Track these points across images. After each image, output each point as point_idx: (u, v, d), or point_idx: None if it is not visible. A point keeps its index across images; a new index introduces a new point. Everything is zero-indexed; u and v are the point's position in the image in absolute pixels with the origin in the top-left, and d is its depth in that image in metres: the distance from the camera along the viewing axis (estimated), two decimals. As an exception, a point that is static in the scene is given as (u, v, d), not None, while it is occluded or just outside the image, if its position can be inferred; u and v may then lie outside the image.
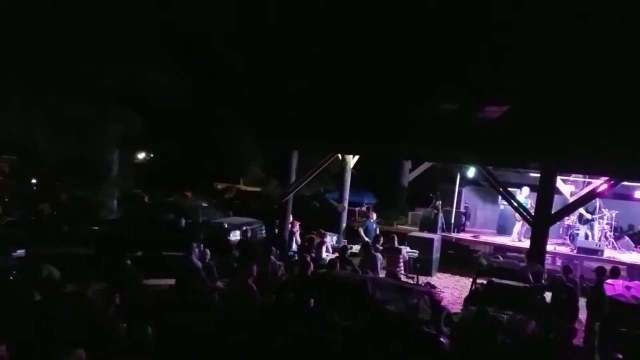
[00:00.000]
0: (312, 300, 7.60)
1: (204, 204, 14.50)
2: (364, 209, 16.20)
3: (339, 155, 13.89)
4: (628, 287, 8.20)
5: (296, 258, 10.49)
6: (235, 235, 12.34)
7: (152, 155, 26.89)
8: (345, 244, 12.42)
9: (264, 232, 13.46)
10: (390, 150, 11.92)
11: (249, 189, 20.89)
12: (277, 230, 12.82)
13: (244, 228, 12.78)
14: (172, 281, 8.97)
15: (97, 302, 7.27)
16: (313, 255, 10.91)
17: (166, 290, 8.94)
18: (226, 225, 12.40)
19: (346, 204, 14.67)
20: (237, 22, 20.24)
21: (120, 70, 15.81)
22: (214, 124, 22.79)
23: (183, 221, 12.40)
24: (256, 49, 20.62)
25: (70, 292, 7.93)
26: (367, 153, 13.50)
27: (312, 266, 8.91)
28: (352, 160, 14.43)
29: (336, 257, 10.27)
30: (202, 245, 9.57)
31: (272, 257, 9.56)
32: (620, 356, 6.72)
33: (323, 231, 11.91)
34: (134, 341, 6.29)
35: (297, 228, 12.45)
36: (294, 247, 12.07)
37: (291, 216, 12.84)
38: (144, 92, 16.96)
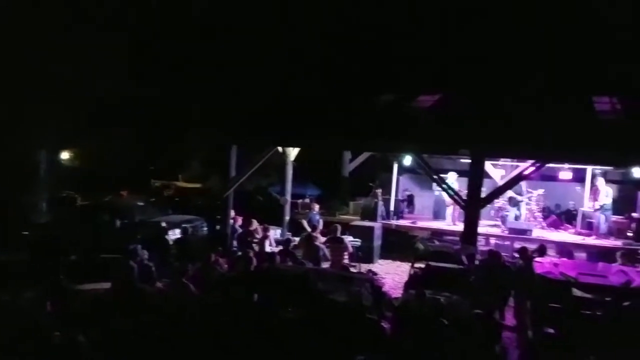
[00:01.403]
0: (255, 295, 7.59)
1: (140, 203, 14.05)
2: (306, 200, 16.21)
3: (280, 149, 13.88)
4: (556, 265, 8.61)
5: (239, 253, 10.39)
6: (175, 234, 12.03)
7: (84, 154, 25.72)
8: (289, 236, 12.45)
9: (205, 229, 13.23)
10: (329, 142, 12.04)
11: (189, 185, 20.42)
12: (218, 226, 12.64)
13: (184, 226, 12.48)
14: (108, 285, 8.67)
15: (28, 310, 6.94)
16: (256, 249, 10.92)
17: (103, 294, 8.63)
18: (164, 224, 12.06)
19: (289, 197, 14.69)
20: (174, 14, 19.76)
21: (47, 66, 15.03)
22: (150, 120, 22.18)
23: (118, 222, 11.98)
24: (193, 43, 20.21)
25: None
26: (307, 145, 13.55)
27: (254, 261, 8.88)
28: (293, 153, 14.45)
29: (279, 250, 10.28)
30: (139, 246, 9.29)
31: (213, 254, 9.42)
32: (552, 331, 7.10)
33: (266, 225, 11.86)
34: (68, 349, 6.05)
35: (239, 223, 12.33)
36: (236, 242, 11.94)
37: (233, 211, 12.70)
38: (75, 88, 16.26)
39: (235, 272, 9.16)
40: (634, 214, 13.02)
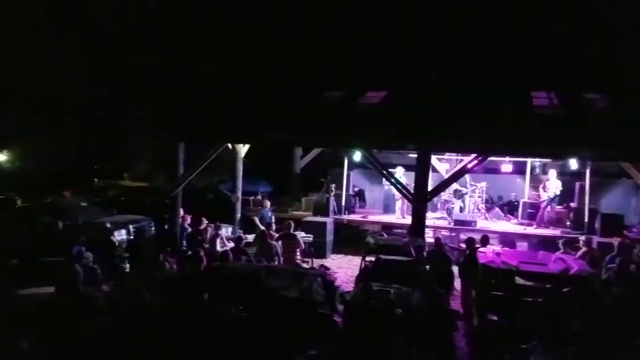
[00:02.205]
0: (205, 295, 7.50)
1: (84, 204, 13.56)
2: (258, 197, 16.13)
3: (230, 145, 13.73)
4: (498, 254, 9.00)
5: (189, 253, 10.22)
6: (121, 235, 11.69)
7: (24, 154, 24.52)
8: (241, 234, 12.36)
9: (153, 228, 12.92)
10: (280, 138, 12.02)
11: (135, 184, 19.83)
12: (167, 225, 12.38)
13: (130, 227, 12.15)
14: (51, 289, 8.35)
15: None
16: (207, 246, 10.78)
17: (47, 298, 8.31)
18: (109, 225, 11.68)
19: (240, 194, 14.57)
20: (120, 12, 19.21)
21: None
22: (94, 118, 21.46)
23: (60, 224, 11.50)
24: (139, 40, 19.71)
25: None
26: (257, 142, 13.48)
27: (205, 260, 8.77)
28: (243, 149, 14.33)
29: (230, 248, 10.19)
30: (83, 248, 8.98)
31: (161, 255, 9.24)
32: (495, 318, 7.39)
33: (218, 223, 11.73)
34: (7, 355, 5.79)
35: (188, 222, 12.12)
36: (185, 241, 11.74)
37: (182, 210, 12.48)
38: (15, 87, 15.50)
39: (184, 272, 9.02)
40: (572, 204, 13.73)
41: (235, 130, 12.07)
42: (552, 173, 13.41)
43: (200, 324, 7.07)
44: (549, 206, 13.36)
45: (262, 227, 11.65)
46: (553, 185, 13.20)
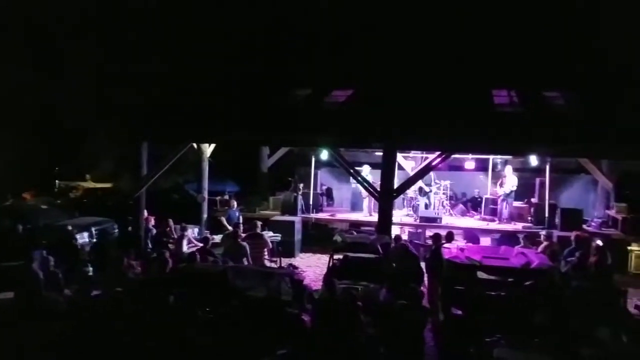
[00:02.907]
0: (171, 297, 7.39)
1: (44, 206, 13.17)
2: (225, 197, 15.99)
3: (195, 145, 13.57)
4: (462, 249, 9.16)
5: (154, 255, 10.05)
6: (83, 238, 11.42)
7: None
8: (208, 235, 12.24)
9: (116, 230, 12.65)
10: (245, 137, 11.93)
11: (98, 185, 19.37)
12: (130, 227, 12.14)
13: (92, 229, 11.87)
14: (11, 294, 8.10)
15: None
16: (173, 248, 10.63)
17: (7, 304, 8.06)
18: (71, 228, 11.38)
19: (206, 194, 14.41)
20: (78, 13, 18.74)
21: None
22: (54, 120, 20.86)
23: (20, 227, 11.14)
24: (100, 39, 19.26)
25: None
26: (221, 141, 13.36)
27: (170, 262, 8.64)
28: (208, 149, 14.18)
29: (197, 249, 10.08)
30: (44, 252, 8.73)
31: (125, 257, 9.06)
32: (459, 312, 7.53)
33: (184, 224, 11.57)
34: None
35: (152, 223, 11.91)
36: (150, 243, 11.54)
37: (146, 211, 12.26)
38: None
39: (150, 274, 8.87)
40: (533, 200, 14.14)
41: (199, 129, 11.92)
42: (509, 169, 13.78)
43: (166, 326, 6.97)
44: (505, 202, 13.72)
45: (230, 228, 11.57)
46: (509, 181, 13.57)
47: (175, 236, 11.26)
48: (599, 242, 10.75)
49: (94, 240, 11.70)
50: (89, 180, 20.50)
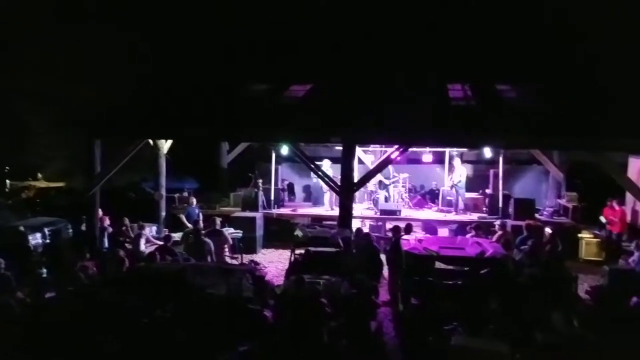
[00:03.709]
0: (128, 298, 7.23)
1: (-7, 208, 12.65)
2: (184, 194, 15.73)
3: (151, 141, 13.28)
4: (420, 241, 9.34)
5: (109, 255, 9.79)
6: (35, 239, 11.03)
7: None
8: (166, 232, 12.02)
9: (70, 231, 12.27)
10: (202, 133, 11.75)
11: (51, 184, 18.73)
12: (85, 227, 11.79)
13: (45, 229, 11.47)
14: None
15: None
16: (129, 247, 10.40)
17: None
18: (23, 229, 10.97)
19: (164, 192, 14.14)
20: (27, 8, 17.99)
21: None
22: (4, 116, 20.02)
23: (-32, 229, 10.67)
24: (52, 34, 18.56)
25: None
26: (178, 137, 13.12)
27: (127, 261, 8.45)
28: (165, 145, 13.90)
29: (157, 248, 9.91)
30: (-6, 254, 8.38)
31: (80, 258, 8.80)
32: (415, 302, 7.68)
33: (141, 222, 11.33)
34: None
35: (108, 223, 11.61)
36: (107, 243, 11.24)
37: (100, 210, 11.93)
38: None
39: (105, 275, 8.65)
40: (487, 191, 14.55)
41: (155, 125, 11.67)
42: (457, 161, 14.15)
43: (124, 327, 6.83)
44: (456, 192, 14.08)
45: (189, 225, 11.40)
46: (458, 171, 13.93)
47: (132, 235, 11.01)
48: (548, 230, 11.19)
49: (47, 241, 11.32)
50: (41, 179, 19.80)
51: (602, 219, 12.57)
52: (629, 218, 12.74)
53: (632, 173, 13.43)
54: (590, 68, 12.33)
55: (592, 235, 12.79)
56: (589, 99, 11.28)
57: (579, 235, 12.84)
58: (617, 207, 12.20)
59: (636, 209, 12.63)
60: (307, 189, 16.23)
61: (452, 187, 14.09)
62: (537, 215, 13.44)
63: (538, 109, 11.28)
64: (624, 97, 11.20)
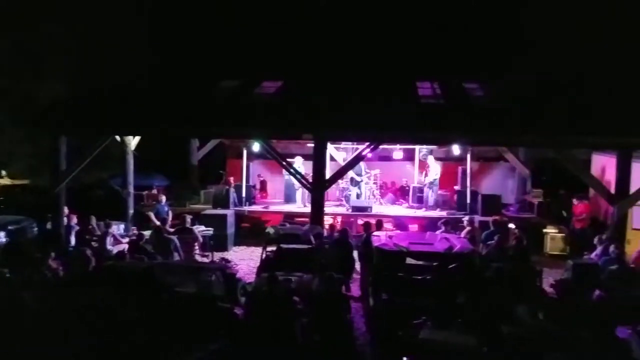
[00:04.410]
0: (95, 297, 7.08)
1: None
2: (153, 191, 15.50)
3: (118, 138, 13.02)
4: (390, 237, 9.42)
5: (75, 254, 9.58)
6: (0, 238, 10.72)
7: None
8: (135, 230, 11.83)
9: (35, 229, 11.95)
10: (170, 130, 11.59)
11: (15, 182, 18.16)
12: (50, 225, 11.50)
13: (9, 228, 11.16)
14: None
15: None
16: (96, 245, 10.21)
17: None
18: (-16, 228, 10.66)
19: (131, 189, 13.90)
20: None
21: None
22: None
23: None
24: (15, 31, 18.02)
25: None
26: (146, 133, 12.92)
27: (93, 260, 8.28)
28: (133, 141, 13.66)
29: (128, 246, 9.79)
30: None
31: (45, 257, 8.58)
32: (386, 297, 7.76)
33: (108, 220, 11.12)
34: None
35: (75, 221, 11.35)
36: (73, 241, 10.99)
37: (66, 208, 11.66)
38: None
39: (71, 273, 8.46)
40: (456, 187, 14.80)
41: (121, 122, 11.43)
42: (431, 159, 14.36)
43: (90, 327, 6.69)
44: (430, 190, 14.29)
45: (158, 223, 11.25)
46: (433, 170, 14.14)
47: (99, 233, 10.80)
48: (512, 226, 11.48)
49: (11, 239, 10.99)
50: (4, 177, 19.17)
51: (564, 213, 12.95)
52: (593, 214, 13.14)
53: (595, 170, 13.87)
54: (555, 67, 12.65)
55: (556, 230, 13.14)
56: (554, 97, 11.57)
57: (544, 230, 13.17)
58: (582, 203, 12.58)
59: (599, 204, 13.02)
60: (279, 185, 16.19)
61: (428, 185, 14.23)
62: (504, 211, 13.73)
63: (505, 107, 11.51)
64: (587, 96, 11.53)
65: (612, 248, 8.94)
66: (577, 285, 8.90)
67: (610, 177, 11.68)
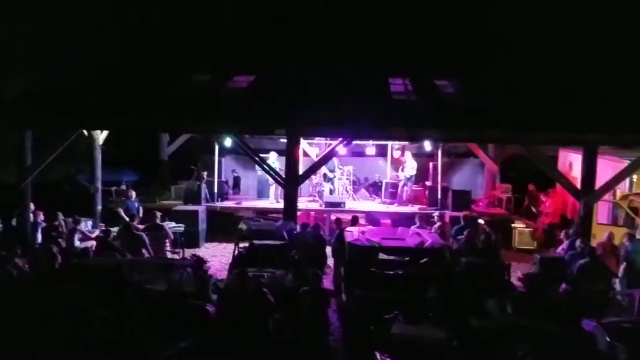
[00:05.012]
0: (62, 295, 6.91)
1: None
2: (122, 187, 15.22)
3: (85, 132, 12.70)
4: (363, 232, 9.49)
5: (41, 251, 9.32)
6: (-39, 236, 10.33)
7: None
8: (103, 227, 11.59)
9: (0, 226, 11.56)
10: (139, 124, 11.34)
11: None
12: (15, 222, 11.16)
13: (-28, 224, 10.78)
14: None
15: None
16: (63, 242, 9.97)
17: None
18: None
19: (99, 185, 13.61)
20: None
21: None
22: None
23: None
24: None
25: None
26: (113, 128, 12.63)
27: (59, 257, 8.08)
28: (101, 136, 13.36)
29: (97, 243, 9.61)
30: None
31: (9, 254, 8.33)
32: (358, 292, 7.80)
33: (77, 217, 10.86)
34: None
35: (41, 218, 11.04)
36: (40, 239, 10.70)
37: (32, 204, 11.33)
38: None
39: (37, 271, 8.24)
40: (428, 183, 14.97)
41: (88, 115, 11.13)
42: (408, 155, 14.49)
43: (57, 325, 6.53)
44: (406, 185, 14.43)
45: (127, 219, 11.05)
46: (409, 165, 14.27)
47: (66, 230, 10.54)
48: (482, 221, 11.69)
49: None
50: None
51: (533, 208, 13.25)
52: (561, 209, 13.47)
53: (562, 165, 14.22)
54: (525, 65, 12.87)
55: (524, 225, 13.44)
56: (523, 94, 11.78)
57: (512, 225, 13.46)
58: (550, 199, 12.89)
59: (566, 200, 13.36)
60: (252, 181, 16.09)
61: (405, 181, 14.35)
62: (473, 207, 13.96)
63: (474, 104, 11.67)
64: (555, 93, 11.77)
65: (578, 242, 9.16)
66: (544, 279, 9.10)
67: (577, 173, 11.98)
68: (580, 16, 13.89)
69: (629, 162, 10.97)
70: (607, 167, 11.53)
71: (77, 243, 10.15)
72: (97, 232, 11.48)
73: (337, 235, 10.05)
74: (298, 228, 10.54)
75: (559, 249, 10.00)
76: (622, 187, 11.72)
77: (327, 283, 9.80)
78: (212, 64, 12.99)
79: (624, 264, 9.18)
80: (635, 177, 11.65)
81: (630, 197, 11.40)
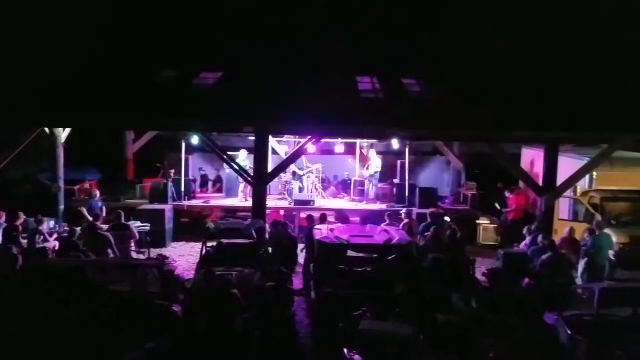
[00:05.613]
0: (24, 297, 6.69)
1: None
2: (86, 186, 14.85)
3: (47, 130, 12.32)
4: (332, 230, 9.53)
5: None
6: None
7: None
8: (65, 227, 11.27)
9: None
10: (101, 121, 11.05)
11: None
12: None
13: None
14: None
15: None
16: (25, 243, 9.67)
17: None
18: None
19: (62, 183, 13.23)
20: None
21: None
22: None
23: None
24: None
25: None
26: (76, 125, 12.29)
27: (21, 259, 7.83)
28: (63, 134, 12.98)
29: (60, 243, 9.40)
30: None
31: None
32: (330, 289, 7.83)
33: (40, 217, 10.55)
34: None
35: (3, 218, 10.66)
36: (0, 239, 10.32)
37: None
38: None
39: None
40: (395, 180, 15.13)
41: (50, 112, 10.78)
42: (372, 153, 14.62)
43: (18, 329, 6.32)
44: (371, 183, 14.56)
45: (91, 219, 10.78)
46: (373, 163, 14.40)
47: (28, 230, 10.23)
48: (448, 218, 11.90)
49: None
50: None
51: (498, 205, 13.54)
52: (526, 206, 13.79)
53: (525, 163, 14.57)
54: (489, 65, 13.09)
55: (489, 222, 13.72)
56: (487, 94, 12.00)
57: (478, 221, 13.73)
58: (514, 195, 13.20)
59: (530, 196, 13.70)
60: (220, 179, 15.93)
61: (369, 179, 14.46)
62: (439, 204, 14.18)
63: (440, 102, 11.84)
64: (519, 92, 12.02)
65: (540, 238, 9.40)
66: (507, 274, 9.34)
67: (539, 170, 12.30)
68: (546, 13, 14.15)
69: (589, 160, 11.33)
70: (568, 165, 11.88)
71: (39, 244, 9.85)
72: (56, 234, 11.15)
73: (307, 233, 10.05)
74: (267, 227, 10.52)
75: (522, 245, 10.23)
76: (583, 184, 12.08)
77: (297, 280, 9.82)
78: (179, 60, 12.79)
79: (585, 259, 9.49)
80: (595, 174, 12.04)
81: (590, 193, 11.77)
